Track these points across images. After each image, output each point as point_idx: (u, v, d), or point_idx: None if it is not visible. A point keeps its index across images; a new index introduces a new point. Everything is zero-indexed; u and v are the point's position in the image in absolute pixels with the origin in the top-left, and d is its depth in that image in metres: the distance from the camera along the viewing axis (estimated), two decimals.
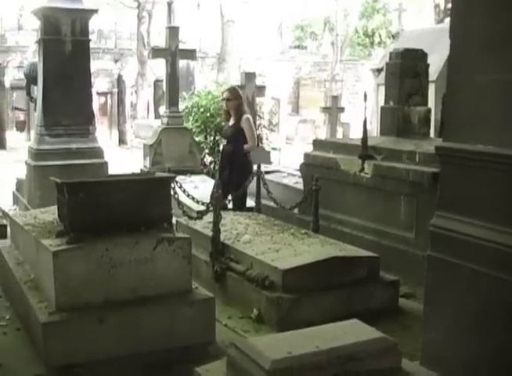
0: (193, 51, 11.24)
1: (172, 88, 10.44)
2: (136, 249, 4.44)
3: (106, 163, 9.77)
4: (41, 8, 9.64)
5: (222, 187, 8.02)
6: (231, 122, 8.15)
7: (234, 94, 8.12)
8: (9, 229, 7.76)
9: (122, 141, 24.17)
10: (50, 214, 5.60)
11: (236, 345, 3.08)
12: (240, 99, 8.12)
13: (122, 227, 4.49)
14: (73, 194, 4.34)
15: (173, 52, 10.28)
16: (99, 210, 4.41)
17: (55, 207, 5.76)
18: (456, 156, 3.59)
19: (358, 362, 2.98)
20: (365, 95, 7.08)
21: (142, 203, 4.55)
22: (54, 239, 4.55)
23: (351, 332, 3.19)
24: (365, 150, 6.98)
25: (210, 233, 5.90)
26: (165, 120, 10.42)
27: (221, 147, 8.29)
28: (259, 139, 12.72)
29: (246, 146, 8.04)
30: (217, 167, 12.42)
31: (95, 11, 10.23)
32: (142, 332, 4.42)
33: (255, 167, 7.49)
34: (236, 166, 7.90)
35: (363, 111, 7.10)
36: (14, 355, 4.52)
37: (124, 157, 17.05)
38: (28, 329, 4.72)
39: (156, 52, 10.67)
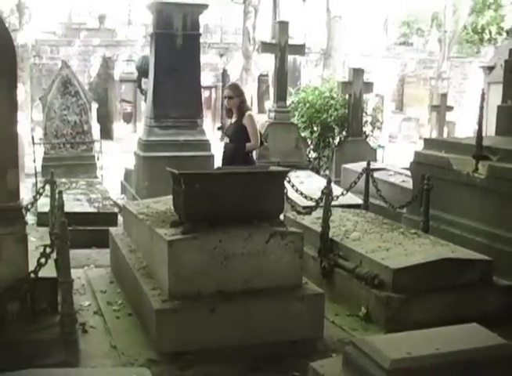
0: (302, 46, 11.22)
1: (280, 83, 10.46)
2: (249, 241, 4.48)
3: (212, 156, 9.90)
4: (155, 2, 9.88)
5: None
6: (233, 119, 7.79)
7: (236, 92, 7.75)
8: (119, 217, 8.03)
9: None
10: (162, 204, 5.72)
11: (353, 343, 3.05)
12: (242, 96, 7.75)
13: (235, 219, 4.54)
14: (189, 185, 4.41)
15: (282, 47, 10.30)
16: (213, 201, 4.47)
17: (167, 197, 5.89)
18: None
19: (480, 368, 2.90)
20: (483, 94, 6.84)
21: (256, 196, 4.58)
22: (168, 228, 4.65)
23: (472, 336, 3.11)
24: (479, 150, 6.76)
25: (318, 229, 5.87)
26: (272, 114, 10.47)
27: (223, 145, 7.89)
28: (365, 135, 12.58)
29: (248, 145, 7.63)
30: (321, 162, 12.47)
31: (206, 6, 10.40)
32: (252, 324, 4.46)
33: (365, 164, 7.39)
34: (239, 165, 7.38)
35: (478, 110, 6.86)
36: (127, 339, 4.65)
37: None
38: (140, 315, 4.85)
39: (266, 47, 10.73)
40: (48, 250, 4.08)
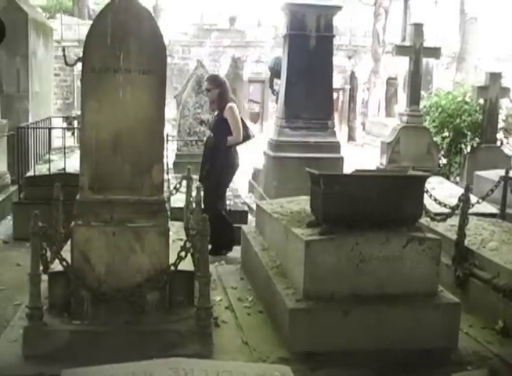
0: (438, 49, 10.95)
1: (414, 86, 10.27)
2: (386, 246, 4.44)
3: (342, 158, 9.86)
4: (289, 4, 9.94)
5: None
6: (216, 112, 7.45)
7: (213, 83, 7.36)
8: (249, 215, 8.15)
9: (351, 137, 24.26)
10: (296, 204, 5.75)
11: (501, 357, 2.95)
12: (221, 87, 7.28)
13: (372, 222, 4.50)
14: (328, 186, 4.41)
15: (417, 50, 10.10)
16: (352, 204, 4.45)
17: (300, 197, 5.94)
18: None
19: None
20: None
21: (394, 200, 4.52)
22: (305, 228, 4.67)
23: None
24: None
25: (453, 237, 5.70)
26: (404, 118, 10.30)
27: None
28: (500, 142, 12.12)
29: (229, 139, 7.16)
30: (452, 169, 12.13)
31: (340, 7, 10.37)
32: (384, 329, 4.41)
33: (499, 172, 7.13)
34: (217, 161, 7.04)
35: None
36: (258, 336, 4.69)
37: (354, 153, 17.14)
38: (272, 313, 4.89)
39: (400, 50, 10.56)
40: (188, 244, 4.19)
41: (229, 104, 7.22)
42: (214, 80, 7.51)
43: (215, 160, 7.10)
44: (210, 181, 7.11)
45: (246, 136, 7.51)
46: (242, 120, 7.51)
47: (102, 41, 4.14)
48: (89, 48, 4.17)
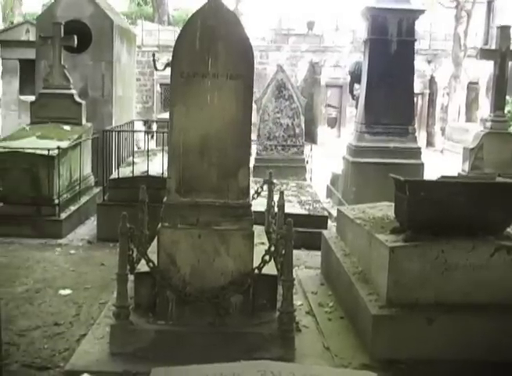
0: None
1: (499, 91, 9.99)
2: (472, 254, 4.36)
3: (422, 164, 9.72)
4: (370, 8, 9.87)
5: None
6: None
7: None
8: (329, 221, 8.13)
9: (430, 143, 23.84)
10: (378, 210, 5.70)
11: None
12: None
13: (459, 230, 4.42)
14: (414, 193, 4.36)
15: (503, 54, 9.84)
16: (437, 210, 4.38)
17: (382, 203, 5.89)
18: None
19: None
20: None
21: (482, 207, 4.43)
22: (388, 235, 4.63)
23: None
24: None
25: None
26: (488, 124, 10.04)
27: None
28: None
29: None
30: None
31: (423, 11, 10.22)
32: (470, 340, 4.32)
33: None
34: None
35: None
36: (340, 341, 4.68)
37: (433, 159, 16.88)
38: (353, 319, 4.86)
39: (485, 53, 10.32)
40: (272, 248, 4.22)
41: None
42: None
43: None
44: None
45: None
46: None
47: (190, 46, 4.21)
48: (178, 54, 4.24)
